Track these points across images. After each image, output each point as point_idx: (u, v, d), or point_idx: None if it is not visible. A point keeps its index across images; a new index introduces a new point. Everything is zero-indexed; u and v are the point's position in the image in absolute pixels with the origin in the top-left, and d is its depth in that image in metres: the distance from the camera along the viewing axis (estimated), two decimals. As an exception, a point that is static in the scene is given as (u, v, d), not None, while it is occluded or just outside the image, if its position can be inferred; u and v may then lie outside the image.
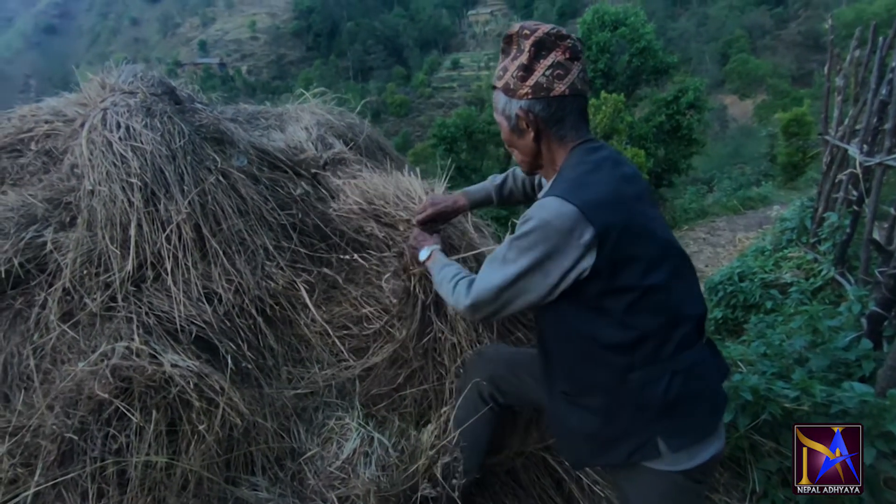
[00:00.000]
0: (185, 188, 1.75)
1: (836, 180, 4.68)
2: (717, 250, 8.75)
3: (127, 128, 1.81)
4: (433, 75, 74.87)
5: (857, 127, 4.25)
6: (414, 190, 1.89)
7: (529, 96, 1.15)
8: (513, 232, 1.15)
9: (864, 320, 2.83)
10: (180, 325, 1.55)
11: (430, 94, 70.08)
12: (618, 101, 15.50)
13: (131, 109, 1.87)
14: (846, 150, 4.33)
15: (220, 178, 1.87)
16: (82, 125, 1.87)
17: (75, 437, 1.29)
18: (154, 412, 1.34)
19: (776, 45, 54.59)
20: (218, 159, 1.92)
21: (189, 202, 1.72)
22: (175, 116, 1.93)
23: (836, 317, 2.99)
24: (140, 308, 1.57)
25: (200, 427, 1.35)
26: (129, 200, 1.68)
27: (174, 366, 1.41)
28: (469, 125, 21.25)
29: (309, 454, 1.47)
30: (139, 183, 1.69)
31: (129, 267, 1.61)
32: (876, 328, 2.57)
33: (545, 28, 1.15)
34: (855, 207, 3.93)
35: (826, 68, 5.20)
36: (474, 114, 22.91)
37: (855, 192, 3.95)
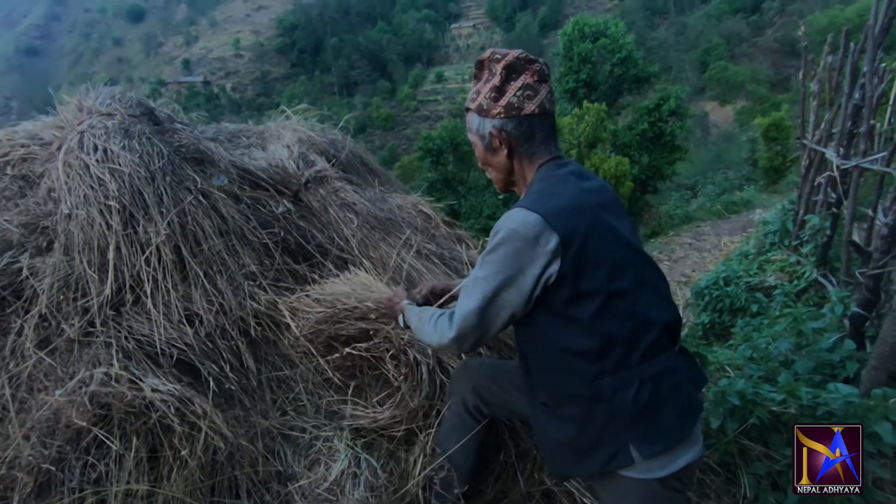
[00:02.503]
0: (165, 209, 1.73)
1: (815, 183, 4.75)
2: (703, 255, 8.84)
3: (104, 150, 1.79)
4: (418, 88, 75.29)
5: (834, 131, 4.32)
6: (368, 281, 1.82)
7: (502, 115, 1.23)
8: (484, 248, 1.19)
9: (846, 321, 2.86)
10: (161, 349, 1.53)
11: (415, 108, 70.45)
12: (600, 110, 15.69)
13: (109, 131, 1.86)
14: (824, 154, 4.40)
15: (200, 198, 1.86)
16: (59, 148, 1.85)
17: (53, 468, 1.26)
18: (134, 439, 1.31)
19: (754, 52, 55.65)
20: (198, 179, 1.90)
21: (168, 223, 1.70)
22: (153, 137, 1.92)
23: (820, 319, 3.02)
24: (119, 332, 1.54)
25: (183, 452, 1.33)
26: (107, 223, 1.66)
27: (155, 390, 1.39)
28: (455, 137, 21.39)
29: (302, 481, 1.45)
30: (117, 205, 1.67)
31: (108, 291, 1.58)
32: (858, 329, 2.60)
33: (514, 53, 1.25)
34: (834, 210, 3.99)
35: (801, 74, 5.30)
36: (460, 126, 23.01)
37: (833, 195, 4.01)
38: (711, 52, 53.18)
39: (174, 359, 1.53)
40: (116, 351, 1.48)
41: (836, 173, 3.83)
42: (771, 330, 3.61)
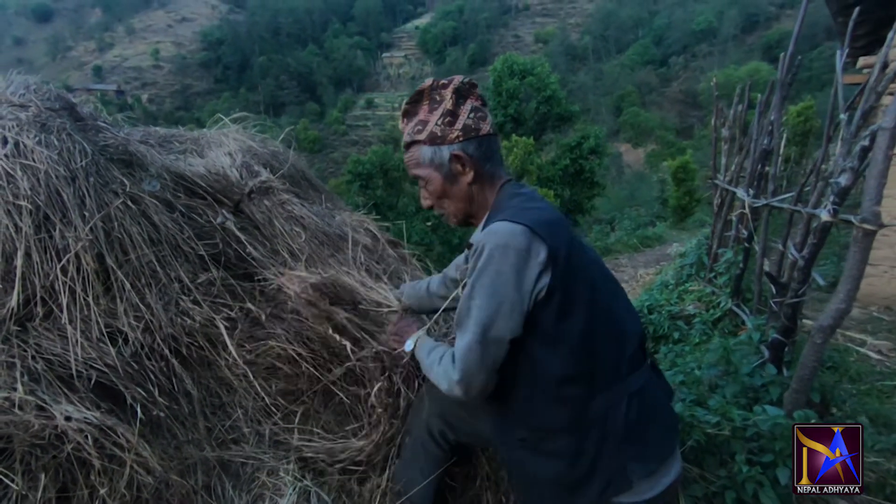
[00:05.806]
0: (87, 213, 1.54)
1: (727, 219, 5.15)
2: (622, 285, 9.27)
3: (16, 143, 1.58)
4: (347, 113, 75.08)
5: (742, 174, 4.73)
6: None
7: (461, 139, 1.20)
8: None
9: (763, 347, 3.06)
10: (77, 371, 1.33)
11: (343, 132, 70.11)
12: (528, 143, 16.33)
13: (21, 124, 1.64)
14: (735, 193, 4.79)
15: (129, 202, 1.67)
16: (-42, 139, 1.61)
17: (-68, 515, 1.04)
18: (42, 476, 1.11)
19: (662, 101, 60.88)
20: (126, 182, 1.72)
21: (91, 228, 1.51)
22: (75, 134, 1.72)
23: (741, 346, 3.21)
24: (25, 351, 1.32)
25: (102, 490, 1.14)
26: (15, 225, 1.44)
27: (68, 418, 1.20)
28: (385, 162, 21.38)
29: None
30: (29, 206, 1.46)
31: (14, 303, 1.36)
32: (777, 354, 2.78)
33: (458, 78, 1.25)
34: (746, 244, 4.32)
35: (713, 121, 5.82)
36: (389, 152, 23.08)
37: (745, 231, 4.35)
38: (625, 98, 57.58)
39: (92, 382, 1.33)
40: (21, 372, 1.26)
41: (747, 211, 4.16)
42: (694, 355, 3.81)
